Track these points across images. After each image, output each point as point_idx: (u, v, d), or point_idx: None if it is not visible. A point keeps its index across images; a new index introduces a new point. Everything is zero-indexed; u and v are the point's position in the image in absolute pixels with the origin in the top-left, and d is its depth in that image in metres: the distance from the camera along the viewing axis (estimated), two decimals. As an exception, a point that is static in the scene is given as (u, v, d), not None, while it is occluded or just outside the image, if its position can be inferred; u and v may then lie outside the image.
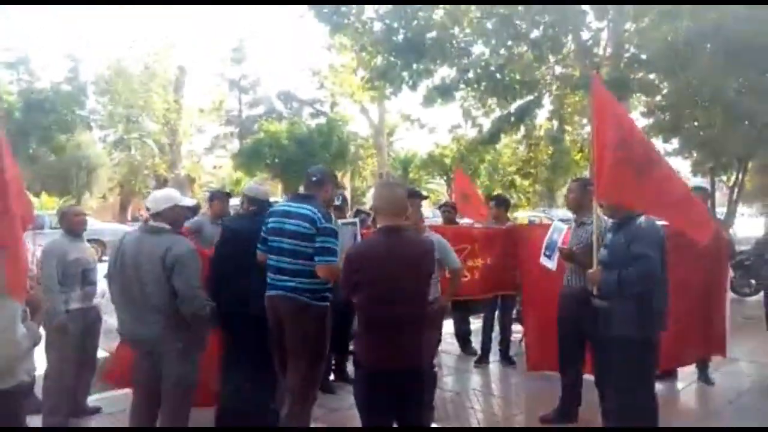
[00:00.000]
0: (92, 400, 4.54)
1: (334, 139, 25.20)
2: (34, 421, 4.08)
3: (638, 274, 3.25)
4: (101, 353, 4.63)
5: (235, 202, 7.30)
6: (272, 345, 3.52)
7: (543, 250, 4.48)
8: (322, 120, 29.05)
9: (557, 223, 4.65)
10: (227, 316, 3.58)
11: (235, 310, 3.57)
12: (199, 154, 35.78)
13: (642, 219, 3.42)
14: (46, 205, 19.64)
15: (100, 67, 26.66)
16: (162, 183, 26.30)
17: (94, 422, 4.28)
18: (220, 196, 6.12)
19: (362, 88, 13.23)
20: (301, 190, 3.71)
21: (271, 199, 4.05)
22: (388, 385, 2.70)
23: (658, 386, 4.78)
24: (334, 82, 25.76)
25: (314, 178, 3.54)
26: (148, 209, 3.47)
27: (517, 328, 6.16)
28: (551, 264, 4.38)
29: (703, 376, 5.27)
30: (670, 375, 5.32)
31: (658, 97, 10.20)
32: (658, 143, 11.50)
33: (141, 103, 25.78)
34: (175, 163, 28.06)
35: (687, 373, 5.37)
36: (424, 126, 19.17)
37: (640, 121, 11.32)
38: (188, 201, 4.23)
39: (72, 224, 4.29)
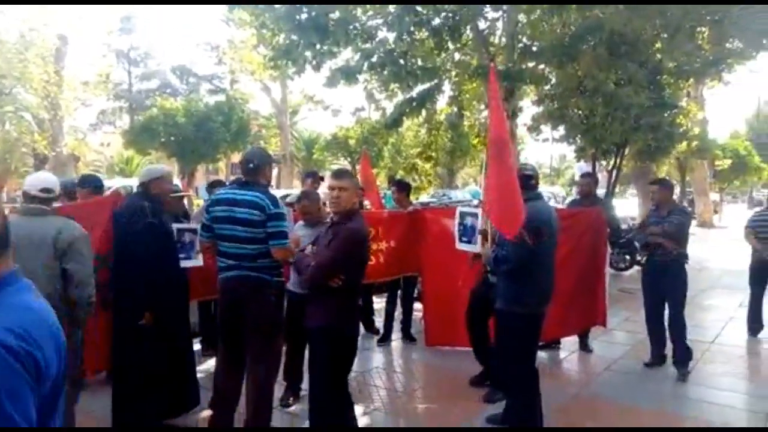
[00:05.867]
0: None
1: (234, 117, 24.37)
2: None
3: (510, 254, 3.53)
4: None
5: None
6: (222, 327, 3.66)
7: (458, 237, 4.59)
8: (222, 97, 27.99)
9: (462, 209, 4.79)
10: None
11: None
12: (84, 131, 33.22)
13: (532, 203, 3.65)
14: None
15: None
16: (41, 161, 24.18)
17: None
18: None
19: (264, 66, 12.89)
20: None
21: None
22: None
23: (542, 355, 5.24)
24: (233, 58, 24.82)
25: (251, 165, 3.58)
26: (51, 191, 3.20)
27: (417, 306, 6.39)
28: (474, 248, 4.47)
29: (584, 345, 5.79)
30: (555, 344, 5.80)
31: (547, 87, 10.83)
32: (546, 130, 12.28)
33: (16, 74, 23.37)
34: (56, 139, 25.82)
35: (569, 343, 5.87)
36: (327, 107, 19.05)
37: (531, 109, 12.02)
38: None
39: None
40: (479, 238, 4.38)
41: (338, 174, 3.28)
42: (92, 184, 5.12)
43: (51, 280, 3.05)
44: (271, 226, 3.42)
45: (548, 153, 38.66)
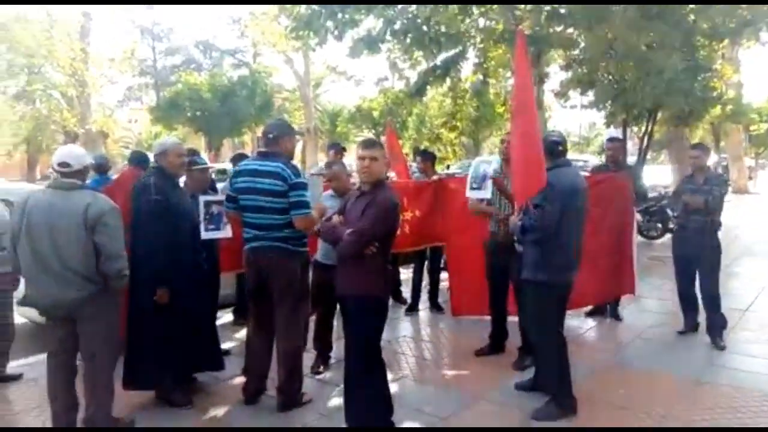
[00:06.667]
0: (13, 366, 4.40)
1: (258, 91, 24.39)
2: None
3: (533, 224, 3.49)
4: (19, 318, 4.47)
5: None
6: (250, 297, 3.78)
7: (469, 184, 4.51)
8: (245, 71, 27.99)
9: (479, 158, 4.74)
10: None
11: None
12: (112, 107, 33.69)
13: (558, 170, 3.58)
14: None
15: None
16: (72, 138, 24.65)
17: (15, 388, 4.15)
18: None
19: (286, 38, 12.81)
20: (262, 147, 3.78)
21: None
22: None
23: (572, 323, 5.21)
24: (254, 31, 24.70)
25: (271, 135, 3.64)
26: (68, 165, 3.24)
27: (444, 276, 6.39)
28: (483, 193, 4.43)
29: (614, 313, 5.73)
30: (601, 309, 5.78)
31: (576, 51, 10.53)
32: (575, 96, 11.98)
33: (44, 52, 23.69)
34: (85, 116, 26.23)
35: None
36: (350, 78, 18.93)
37: (559, 75, 11.72)
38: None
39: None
40: (489, 183, 4.33)
41: (368, 144, 3.26)
42: (138, 160, 5.41)
43: (84, 253, 3.12)
44: (293, 195, 3.48)
45: (576, 121, 37.82)
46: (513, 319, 4.64)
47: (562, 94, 11.67)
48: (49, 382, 3.34)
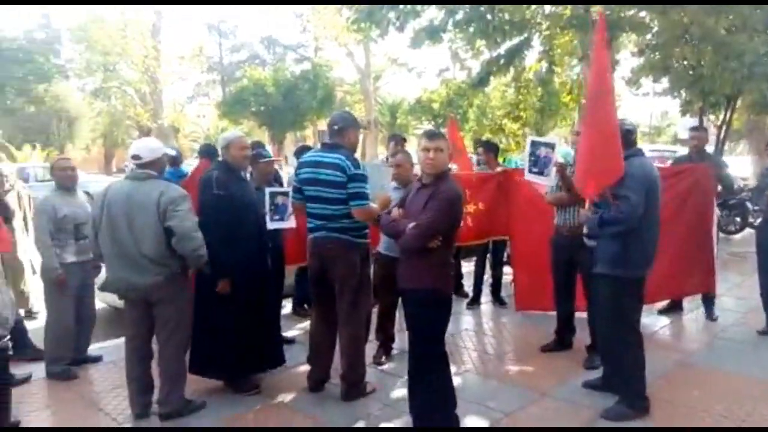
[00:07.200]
0: (94, 348, 4.65)
1: (320, 85, 24.71)
2: (39, 369, 4.18)
3: (616, 216, 3.32)
4: (99, 304, 4.73)
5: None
6: (313, 286, 3.84)
7: (528, 166, 4.31)
8: (307, 66, 28.42)
9: (535, 138, 4.53)
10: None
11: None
12: (182, 103, 35.08)
13: (633, 160, 3.43)
14: (31, 157, 19.46)
15: (74, 12, 25.78)
16: (146, 133, 25.85)
17: (95, 369, 4.39)
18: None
19: (347, 30, 12.87)
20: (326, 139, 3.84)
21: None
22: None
23: (644, 321, 4.98)
24: (316, 25, 25.01)
25: (336, 127, 3.69)
26: (138, 157, 3.39)
27: (507, 270, 6.28)
28: (547, 180, 4.25)
29: (709, 312, 5.41)
30: (676, 306, 5.54)
31: (649, 36, 10.04)
32: (647, 83, 11.42)
33: (118, 51, 24.94)
34: (157, 112, 27.45)
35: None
36: (411, 70, 18.85)
37: (631, 61, 11.21)
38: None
39: (61, 179, 4.26)
40: (553, 170, 4.16)
41: (433, 135, 3.19)
42: (208, 152, 5.74)
43: (157, 241, 3.27)
44: (352, 187, 3.50)
45: (647, 110, 36.08)
46: (580, 316, 4.50)
47: (633, 82, 11.15)
48: (127, 364, 3.52)
